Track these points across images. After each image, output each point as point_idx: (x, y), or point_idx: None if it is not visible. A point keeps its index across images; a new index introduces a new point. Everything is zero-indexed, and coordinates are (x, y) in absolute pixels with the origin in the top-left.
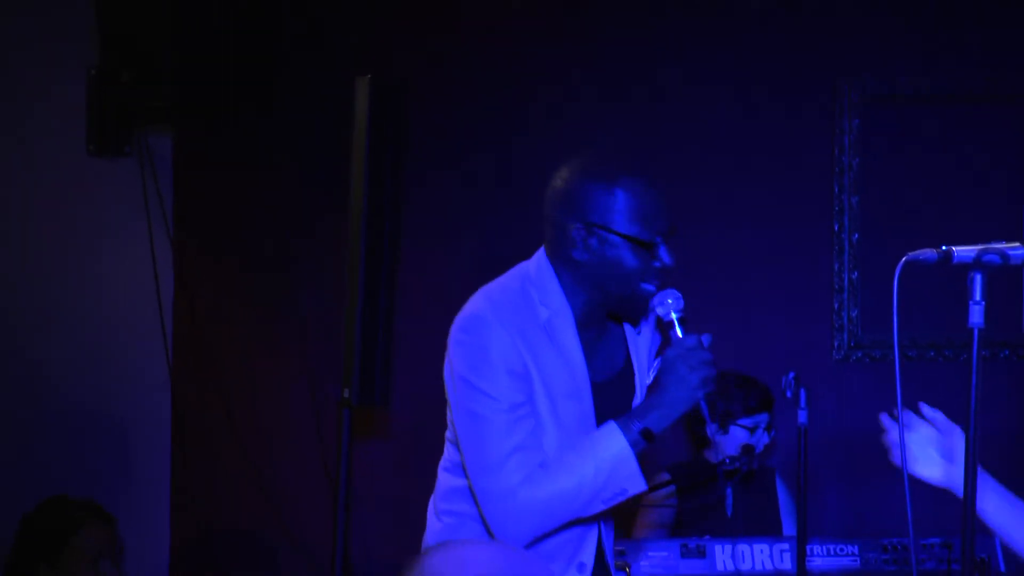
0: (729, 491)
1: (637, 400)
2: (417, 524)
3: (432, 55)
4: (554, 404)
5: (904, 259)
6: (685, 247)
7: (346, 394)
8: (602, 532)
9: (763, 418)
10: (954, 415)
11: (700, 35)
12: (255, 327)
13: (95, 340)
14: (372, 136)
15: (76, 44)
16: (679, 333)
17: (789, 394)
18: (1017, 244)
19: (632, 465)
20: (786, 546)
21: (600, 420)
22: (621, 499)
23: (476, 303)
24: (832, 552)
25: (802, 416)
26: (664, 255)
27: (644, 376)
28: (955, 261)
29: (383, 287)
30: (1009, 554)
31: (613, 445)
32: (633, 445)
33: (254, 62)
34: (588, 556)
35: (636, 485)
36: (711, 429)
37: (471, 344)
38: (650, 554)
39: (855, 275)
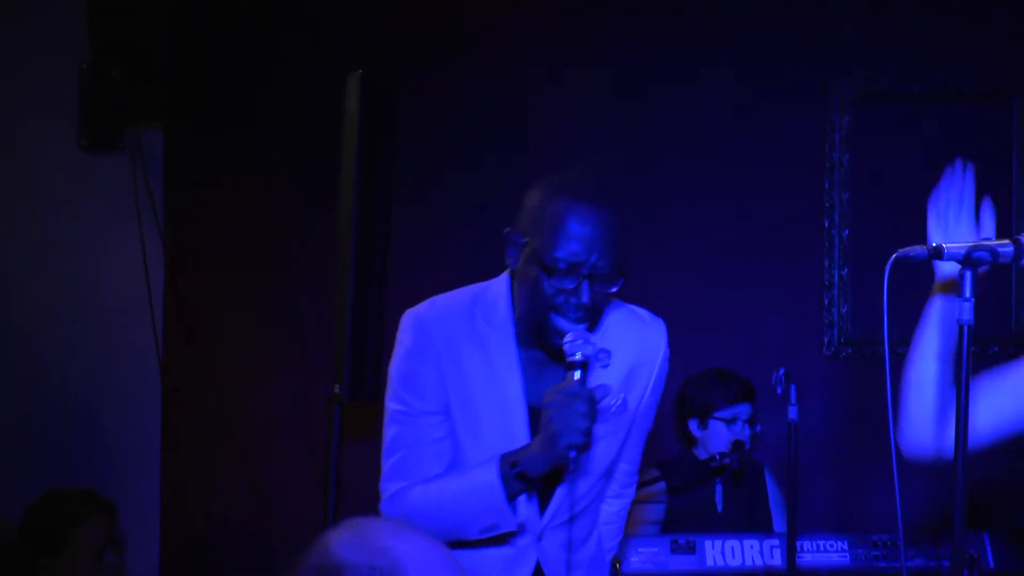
0: (719, 487)
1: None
2: None
3: (425, 53)
4: (476, 423)
5: (894, 256)
6: (676, 243)
7: (337, 390)
8: (543, 561)
9: (742, 409)
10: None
11: (693, 33)
12: (246, 323)
13: (86, 335)
14: (363, 133)
15: (68, 40)
16: (573, 377)
17: (779, 390)
18: (1006, 241)
19: (500, 501)
20: (776, 542)
21: None
22: (497, 532)
23: (420, 307)
24: (822, 548)
25: (792, 412)
26: (580, 291)
27: (624, 407)
28: (945, 258)
29: (374, 284)
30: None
31: (485, 478)
32: (506, 482)
33: (246, 59)
34: None
35: (507, 522)
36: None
37: (399, 343)
38: (640, 550)
39: (845, 271)
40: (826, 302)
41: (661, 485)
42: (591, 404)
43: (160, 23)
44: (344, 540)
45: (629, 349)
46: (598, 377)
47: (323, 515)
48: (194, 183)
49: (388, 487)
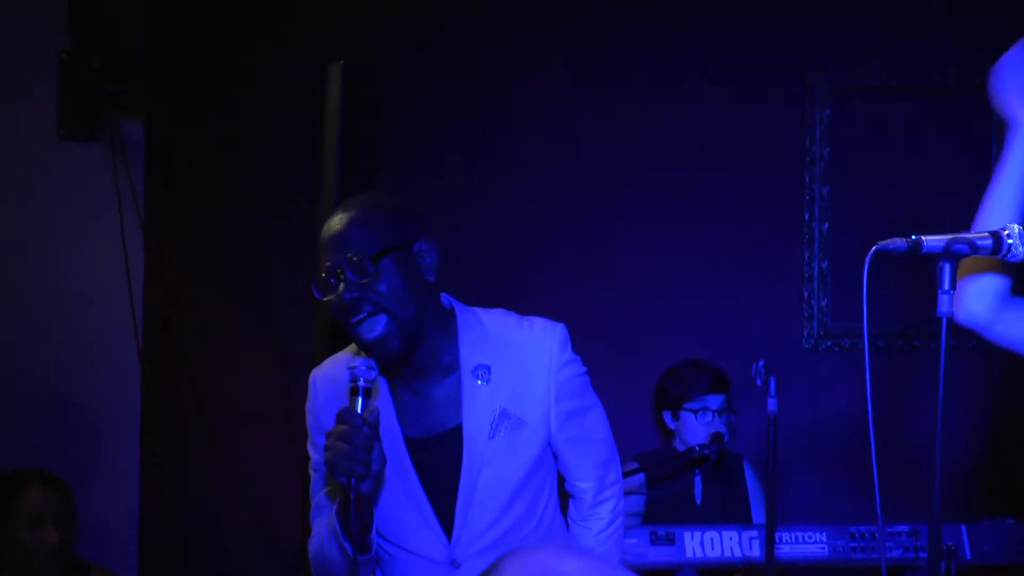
0: (698, 479)
1: (466, 459)
2: None
3: (408, 42)
4: None
5: (874, 248)
6: (656, 236)
7: None
8: None
9: (712, 400)
10: (922, 403)
11: (673, 27)
12: (226, 312)
13: (65, 324)
14: (344, 122)
15: (47, 28)
16: (356, 405)
17: (759, 382)
18: (985, 234)
19: (334, 529)
20: (755, 533)
21: (428, 477)
22: (361, 567)
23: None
24: (800, 539)
25: (772, 404)
26: (340, 291)
27: (481, 432)
28: (924, 251)
29: None
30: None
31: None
32: (338, 516)
33: (226, 47)
34: None
35: (352, 552)
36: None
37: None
38: None
39: (825, 264)
40: (806, 295)
41: (640, 477)
42: (364, 432)
43: (140, 11)
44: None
45: (513, 362)
46: (478, 398)
47: (300, 503)
48: (174, 172)
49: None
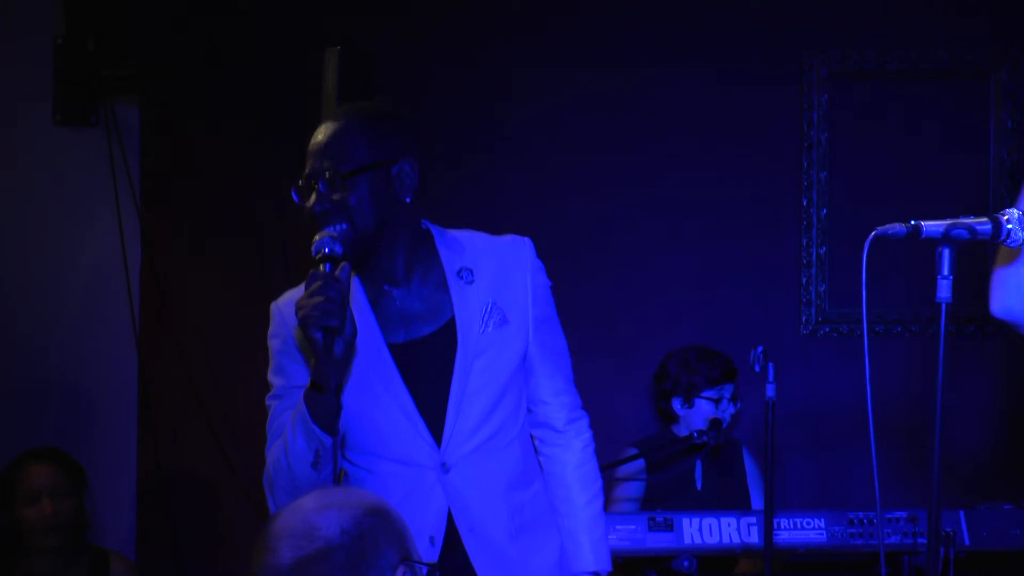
0: (698, 465)
1: (460, 350)
2: None
3: (403, 25)
4: (352, 375)
5: (873, 233)
6: (653, 221)
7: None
8: (453, 510)
9: (728, 388)
10: (921, 389)
11: (669, 11)
12: (222, 295)
13: (63, 309)
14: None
15: (42, 13)
16: (321, 270)
17: (757, 368)
18: (984, 219)
19: (302, 414)
20: (753, 519)
21: (414, 381)
22: (322, 457)
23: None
24: (798, 525)
25: (770, 390)
26: (294, 194)
27: (473, 323)
28: (923, 236)
29: None
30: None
31: (298, 407)
32: (307, 400)
33: (222, 31)
34: (438, 531)
35: (324, 441)
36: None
37: None
38: (617, 527)
39: (823, 250)
40: (804, 280)
41: (640, 463)
42: (336, 286)
43: None
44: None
45: (491, 264)
46: (466, 294)
47: None
48: (170, 156)
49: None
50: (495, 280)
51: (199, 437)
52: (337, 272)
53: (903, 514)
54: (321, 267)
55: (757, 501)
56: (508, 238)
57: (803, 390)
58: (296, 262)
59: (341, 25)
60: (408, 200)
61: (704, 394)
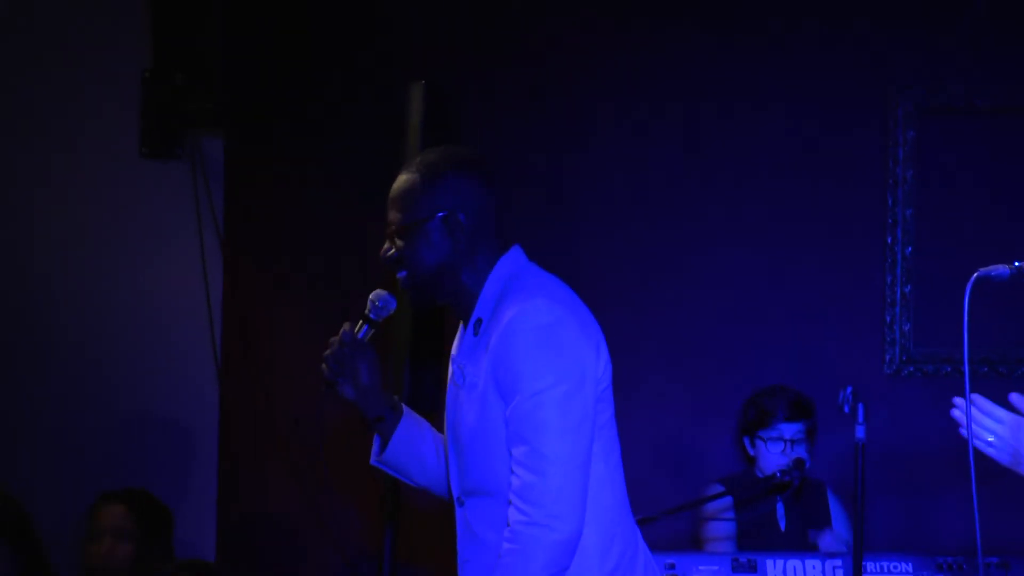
0: (780, 505)
1: (455, 410)
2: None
3: (487, 61)
4: None
5: (975, 275)
6: (736, 257)
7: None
8: (458, 535)
9: (787, 428)
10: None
11: (753, 46)
12: (304, 330)
13: (146, 341)
14: (425, 142)
15: (131, 46)
16: (357, 326)
17: (847, 409)
18: None
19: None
20: (838, 562)
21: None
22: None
23: None
24: (885, 569)
25: (859, 431)
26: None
27: (457, 379)
28: None
29: None
30: None
31: None
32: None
33: (306, 65)
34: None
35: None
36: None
37: None
38: (701, 568)
39: (908, 289)
40: (888, 319)
41: (728, 500)
42: (340, 352)
43: (221, 29)
44: None
45: (495, 322)
46: (468, 347)
47: (380, 523)
48: (254, 189)
49: None
50: (494, 338)
51: (280, 473)
52: (355, 334)
53: (995, 560)
54: (359, 324)
55: (830, 543)
56: (530, 294)
57: (887, 431)
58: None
59: (426, 59)
60: (462, 247)
61: (761, 433)
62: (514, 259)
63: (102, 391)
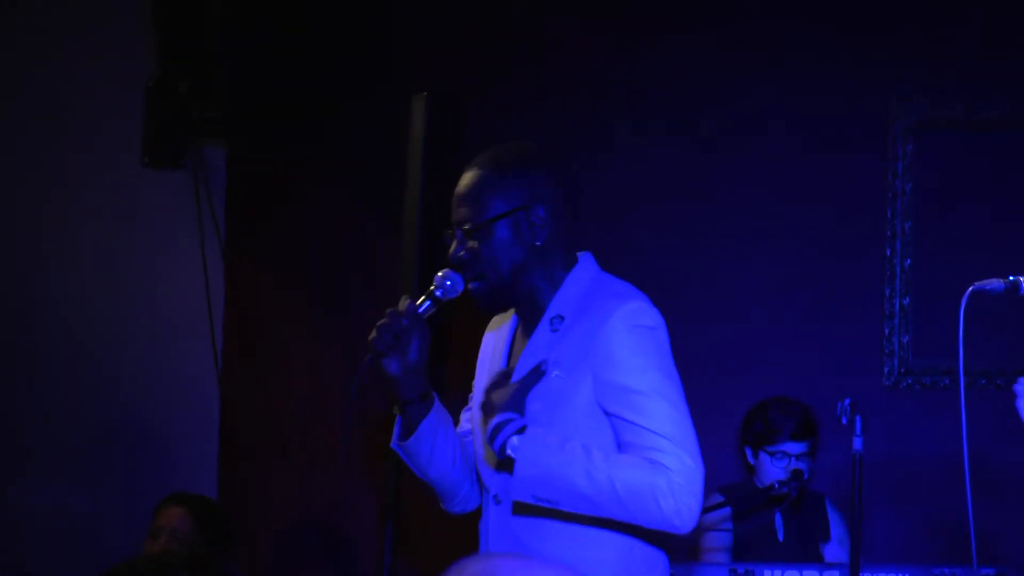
0: (779, 516)
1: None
2: (468, 538)
3: (491, 74)
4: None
5: (970, 289)
6: (737, 270)
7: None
8: (485, 537)
9: (793, 446)
10: (1005, 444)
11: (751, 63)
12: (305, 338)
13: (147, 349)
14: (428, 152)
15: (135, 56)
16: (419, 300)
17: (844, 420)
18: None
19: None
20: (836, 574)
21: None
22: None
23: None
24: None
25: (857, 443)
26: (446, 238)
27: (558, 376)
28: (1023, 292)
29: None
30: None
31: None
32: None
33: (309, 76)
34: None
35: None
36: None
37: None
38: None
39: (906, 301)
40: (886, 332)
41: (727, 511)
42: (397, 325)
43: (225, 39)
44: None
45: (583, 318)
46: (547, 342)
47: (380, 530)
48: (256, 199)
49: None
50: (581, 337)
51: (280, 480)
52: (416, 309)
53: (991, 571)
54: (422, 298)
55: (831, 554)
56: (619, 293)
57: (885, 442)
58: (382, 308)
59: (429, 70)
60: (539, 244)
61: (767, 448)
62: (591, 261)
63: (105, 397)
